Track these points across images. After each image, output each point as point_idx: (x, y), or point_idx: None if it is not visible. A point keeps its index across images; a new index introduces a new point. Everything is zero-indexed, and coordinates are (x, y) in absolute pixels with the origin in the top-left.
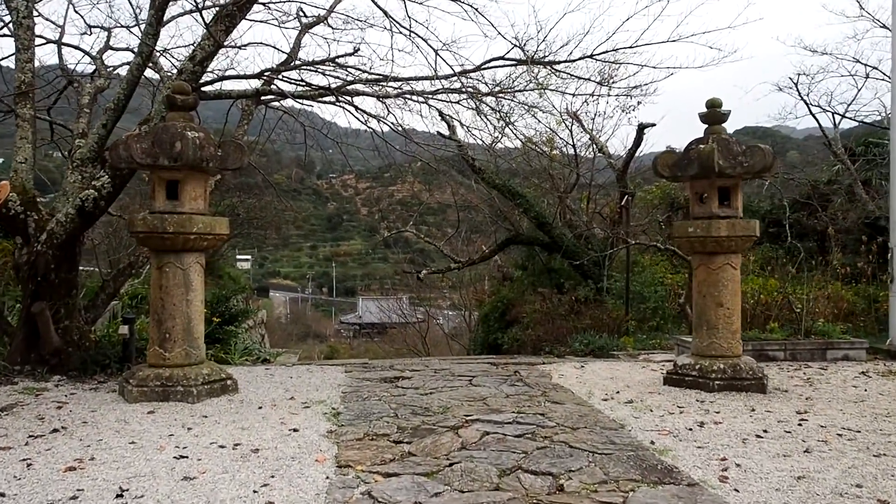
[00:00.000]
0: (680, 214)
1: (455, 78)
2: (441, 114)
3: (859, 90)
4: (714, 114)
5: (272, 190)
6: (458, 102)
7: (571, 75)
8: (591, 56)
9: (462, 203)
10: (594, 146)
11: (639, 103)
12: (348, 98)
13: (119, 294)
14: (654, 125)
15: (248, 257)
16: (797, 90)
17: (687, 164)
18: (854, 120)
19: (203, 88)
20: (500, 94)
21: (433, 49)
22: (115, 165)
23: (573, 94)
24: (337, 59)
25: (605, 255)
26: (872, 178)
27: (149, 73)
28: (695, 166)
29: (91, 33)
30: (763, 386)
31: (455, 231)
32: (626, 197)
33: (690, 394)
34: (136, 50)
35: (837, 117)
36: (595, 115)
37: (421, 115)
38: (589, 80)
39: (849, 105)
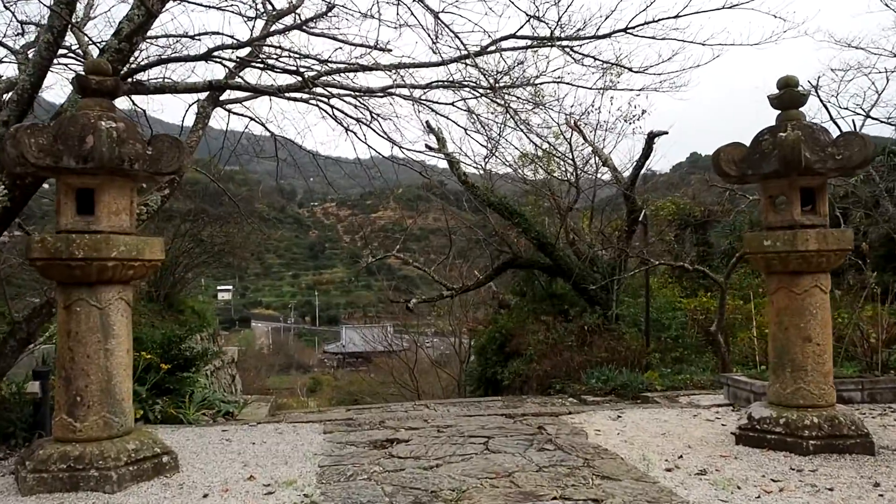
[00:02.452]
0: (689, 231)
1: (454, 65)
2: (428, 125)
3: (882, 90)
4: (791, 95)
5: (252, 219)
6: (452, 104)
7: (596, 59)
8: (625, 30)
9: (448, 228)
10: (596, 159)
11: (643, 112)
12: (324, 96)
13: (34, 338)
14: (665, 133)
15: (230, 287)
16: (817, 95)
17: (760, 159)
18: (880, 122)
19: (139, 78)
20: (509, 88)
21: (432, 12)
22: (9, 171)
23: (592, 88)
24: (307, 26)
25: (618, 278)
26: (893, 188)
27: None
28: (772, 161)
29: (24, 32)
30: (871, 445)
31: (445, 256)
32: (644, 212)
33: (778, 458)
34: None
35: (859, 121)
36: (596, 125)
37: (417, 113)
38: (618, 64)
39: (872, 106)
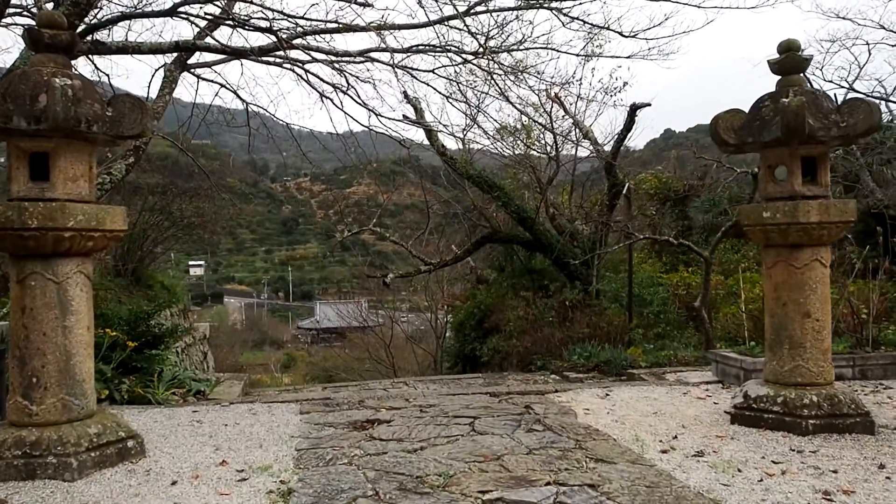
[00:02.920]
0: (668, 206)
1: (436, 29)
2: (406, 95)
3: (865, 63)
4: (792, 60)
5: (224, 193)
6: (433, 71)
7: (585, 22)
8: None
9: (422, 203)
10: (577, 131)
11: (625, 84)
12: (300, 61)
13: None
14: (648, 105)
15: (202, 263)
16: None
17: (761, 127)
18: (863, 95)
19: (99, 36)
20: (495, 53)
21: None
22: None
23: (579, 55)
24: None
25: (600, 253)
26: (873, 163)
27: None
28: (773, 129)
29: None
30: (871, 425)
31: (422, 231)
32: (628, 185)
33: (777, 439)
34: None
35: (842, 94)
36: (577, 97)
37: (397, 79)
38: (607, 27)
39: (855, 79)
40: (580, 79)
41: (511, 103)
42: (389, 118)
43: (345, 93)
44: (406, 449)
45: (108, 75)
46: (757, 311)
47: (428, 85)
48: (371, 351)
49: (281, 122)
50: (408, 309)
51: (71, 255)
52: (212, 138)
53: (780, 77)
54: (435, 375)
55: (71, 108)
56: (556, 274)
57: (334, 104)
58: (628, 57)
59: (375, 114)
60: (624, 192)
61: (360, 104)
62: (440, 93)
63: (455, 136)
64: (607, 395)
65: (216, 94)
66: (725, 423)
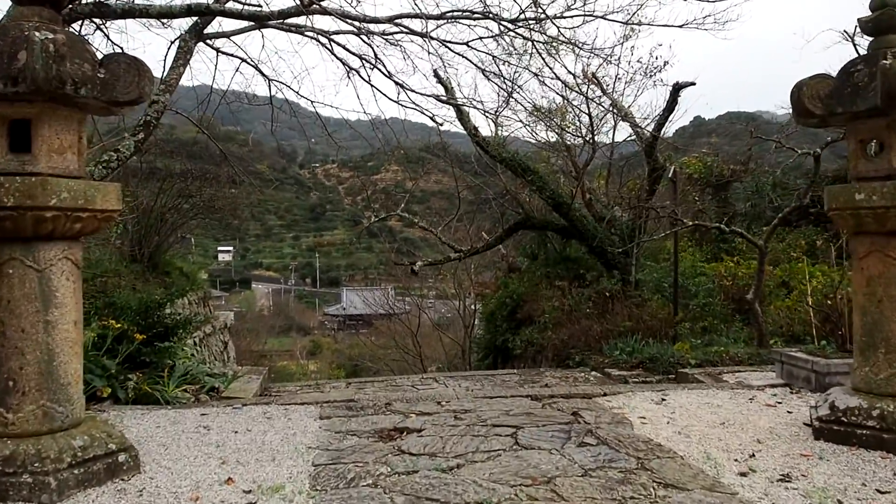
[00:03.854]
0: (708, 192)
1: None
2: (437, 74)
3: None
4: (890, 17)
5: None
6: (467, 44)
7: None
8: None
9: (450, 189)
10: (614, 114)
11: (665, 63)
12: (324, 32)
13: None
14: (693, 84)
15: (230, 248)
16: (853, 43)
17: (853, 94)
18: None
19: None
20: (537, 21)
21: None
22: None
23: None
24: None
25: (642, 241)
26: None
27: None
28: (870, 97)
29: None
30: None
31: (452, 217)
32: (674, 168)
33: (875, 460)
34: None
35: None
36: (615, 78)
37: (427, 54)
38: None
39: None
40: (619, 58)
41: (546, 85)
42: (419, 92)
43: (373, 65)
44: (440, 467)
45: (121, 48)
46: (826, 307)
47: (462, 57)
48: (397, 339)
49: (306, 100)
50: (435, 296)
51: (55, 239)
52: (240, 125)
53: (872, 38)
54: (466, 371)
55: (52, 67)
56: (593, 263)
57: (361, 77)
58: (681, 26)
59: (405, 88)
60: (669, 175)
61: (388, 77)
62: (476, 65)
63: (488, 116)
64: (663, 399)
65: (237, 70)
66: (808, 437)
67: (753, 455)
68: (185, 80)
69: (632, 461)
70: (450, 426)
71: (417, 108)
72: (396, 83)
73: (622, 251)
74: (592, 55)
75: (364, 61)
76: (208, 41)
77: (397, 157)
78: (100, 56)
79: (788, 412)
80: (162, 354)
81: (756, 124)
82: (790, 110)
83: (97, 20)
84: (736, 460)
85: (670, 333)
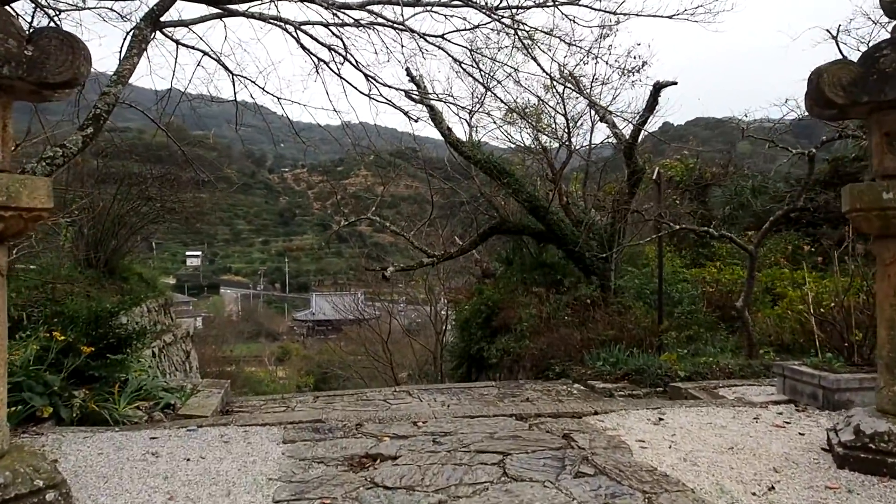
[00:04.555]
0: (687, 195)
1: None
2: (409, 72)
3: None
4: None
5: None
6: (443, 36)
7: None
8: None
9: (420, 195)
10: (592, 113)
11: (644, 64)
12: (293, 23)
13: None
14: (674, 83)
15: (198, 253)
16: (836, 43)
17: (879, 82)
18: None
19: None
20: (519, 9)
21: None
22: None
23: (618, 13)
24: None
25: (624, 245)
26: None
27: None
28: None
29: None
30: None
31: (424, 221)
32: (658, 170)
33: None
34: None
35: None
36: (592, 78)
37: (401, 47)
38: None
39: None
40: (596, 55)
41: (521, 85)
42: (392, 87)
43: (344, 57)
44: (419, 502)
45: None
46: (829, 316)
47: (440, 49)
48: (367, 346)
49: (272, 97)
50: (405, 301)
51: None
52: (207, 128)
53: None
54: (441, 384)
55: None
56: (571, 268)
57: (331, 70)
58: (671, 16)
59: (377, 82)
60: (654, 177)
61: (359, 69)
62: (453, 57)
63: (462, 113)
64: (661, 419)
65: (198, 64)
66: (829, 466)
67: (773, 488)
68: (147, 82)
69: (637, 496)
70: (428, 452)
71: (389, 103)
72: (368, 76)
73: (602, 256)
74: (572, 48)
75: (334, 52)
76: (166, 30)
77: (368, 161)
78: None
79: (800, 434)
80: (113, 368)
81: (723, 129)
82: (756, 116)
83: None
84: (754, 493)
85: (655, 343)
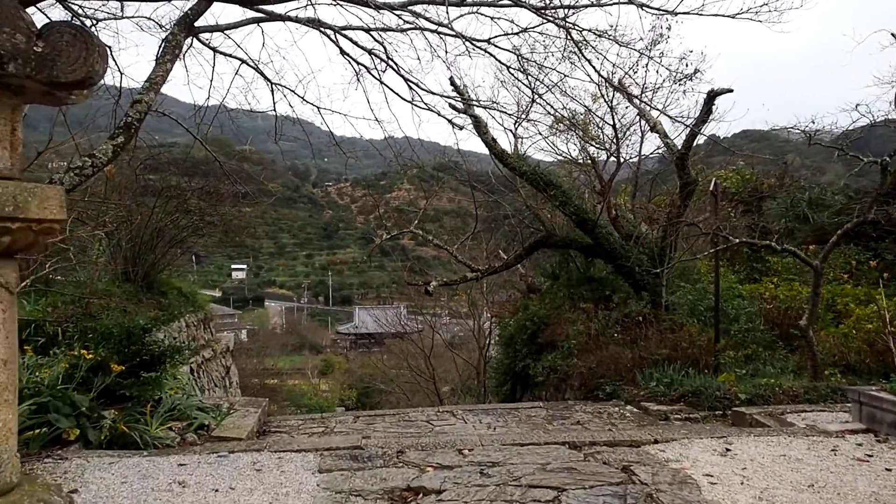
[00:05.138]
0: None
1: None
2: (453, 82)
3: None
4: None
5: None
6: (488, 41)
7: None
8: None
9: (462, 209)
10: (643, 123)
11: (696, 71)
12: (331, 27)
13: None
14: (730, 90)
15: (244, 266)
16: None
17: None
18: None
19: None
20: (571, 9)
21: None
22: None
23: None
24: None
25: (680, 260)
26: None
27: None
28: None
29: None
30: None
31: (469, 234)
32: (715, 181)
33: None
34: None
35: None
36: (643, 87)
37: (444, 57)
38: None
39: None
40: (647, 62)
41: (567, 95)
42: (436, 93)
43: (385, 62)
44: None
45: (109, 48)
46: None
47: (486, 53)
48: (410, 361)
49: (311, 106)
50: (447, 315)
51: None
52: (253, 144)
53: None
54: (486, 404)
55: None
56: (620, 283)
57: (372, 76)
58: (734, 16)
59: (420, 88)
60: (711, 188)
61: (401, 76)
62: (500, 62)
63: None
64: (728, 450)
65: (236, 72)
66: None
67: None
68: (187, 96)
69: None
70: (476, 486)
71: (433, 110)
72: (410, 82)
73: (654, 272)
74: (623, 53)
75: (375, 56)
76: (203, 37)
77: (411, 174)
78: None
79: (887, 470)
80: (145, 387)
81: (770, 141)
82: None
83: (77, 10)
84: None
85: (711, 363)
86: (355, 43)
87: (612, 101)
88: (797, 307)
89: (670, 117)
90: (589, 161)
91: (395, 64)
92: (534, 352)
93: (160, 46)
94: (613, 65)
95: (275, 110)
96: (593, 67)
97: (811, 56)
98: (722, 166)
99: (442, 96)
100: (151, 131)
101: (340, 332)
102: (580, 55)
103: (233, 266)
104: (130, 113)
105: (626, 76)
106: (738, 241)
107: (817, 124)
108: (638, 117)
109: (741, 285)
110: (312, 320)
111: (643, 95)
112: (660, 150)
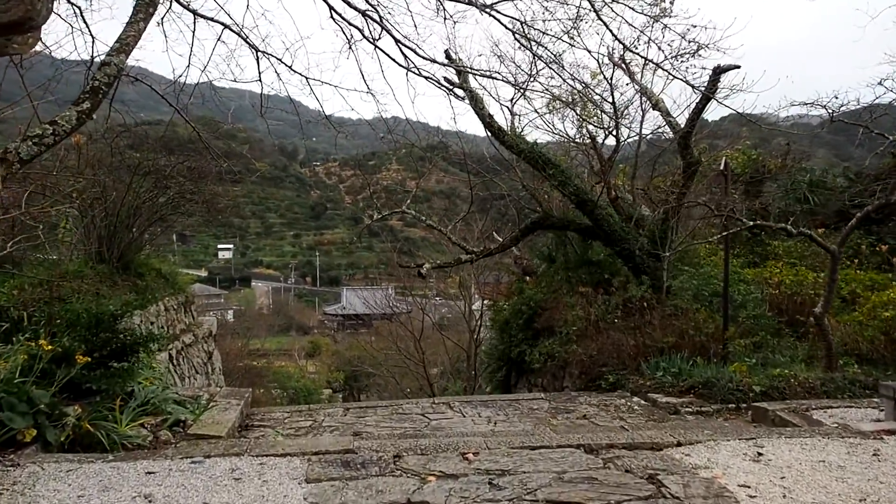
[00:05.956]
0: (742, 189)
1: None
2: (448, 55)
3: None
4: None
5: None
6: (491, 6)
7: None
8: None
9: (451, 189)
10: (643, 100)
11: (698, 48)
12: None
13: None
14: (737, 67)
15: (230, 246)
16: None
17: None
18: None
19: None
20: None
21: None
22: None
23: None
24: None
25: (689, 244)
26: None
27: None
28: None
29: None
30: None
31: (463, 214)
32: (725, 160)
33: None
34: None
35: None
36: (644, 64)
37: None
38: None
39: None
40: (648, 40)
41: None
42: (432, 59)
43: (381, 25)
44: None
45: (79, 7)
46: None
47: (491, 17)
48: (398, 343)
49: (299, 76)
50: (435, 295)
51: None
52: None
53: None
54: (484, 395)
55: None
56: (619, 266)
57: (367, 39)
58: None
59: (417, 55)
60: (721, 168)
61: (396, 41)
62: (505, 26)
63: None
64: (760, 454)
65: (219, 38)
66: None
67: None
68: (167, 69)
69: None
70: (486, 501)
71: (430, 78)
72: (405, 45)
73: (656, 254)
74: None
75: (369, 19)
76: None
77: (400, 154)
78: None
79: None
80: (116, 379)
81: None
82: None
83: None
84: None
85: (720, 351)
86: (347, 2)
87: (611, 79)
88: (804, 293)
89: (689, 83)
90: (588, 140)
91: (391, 27)
92: (530, 337)
93: (134, 5)
94: (613, 40)
95: (260, 80)
96: (609, 30)
97: (812, 39)
98: (719, 148)
99: (440, 63)
100: (135, 108)
101: (328, 312)
102: (598, 16)
103: (219, 246)
104: (98, 76)
105: (628, 52)
106: (751, 223)
107: (795, 110)
108: (638, 95)
109: (742, 270)
110: (300, 301)
111: (661, 62)
112: (661, 130)
